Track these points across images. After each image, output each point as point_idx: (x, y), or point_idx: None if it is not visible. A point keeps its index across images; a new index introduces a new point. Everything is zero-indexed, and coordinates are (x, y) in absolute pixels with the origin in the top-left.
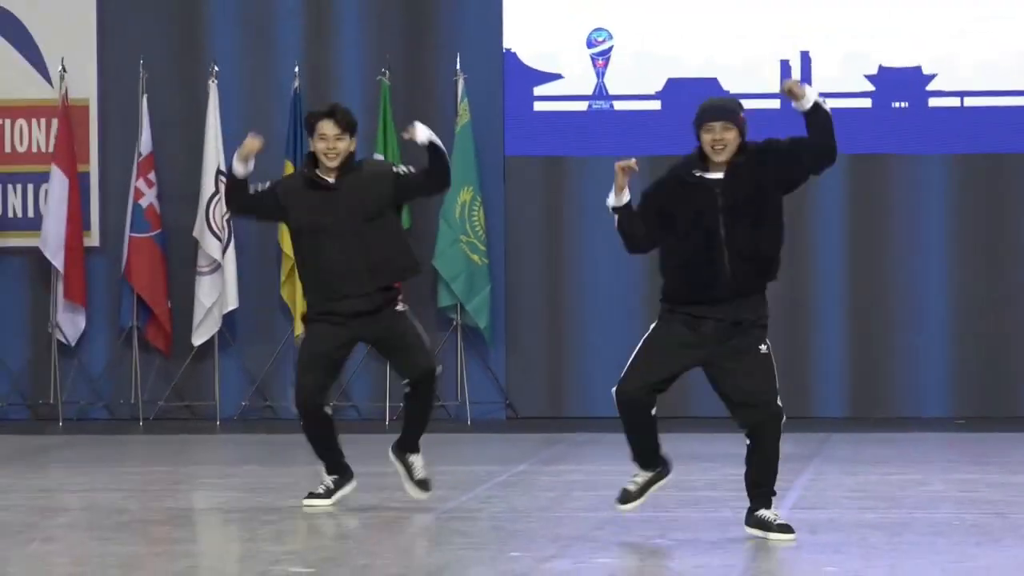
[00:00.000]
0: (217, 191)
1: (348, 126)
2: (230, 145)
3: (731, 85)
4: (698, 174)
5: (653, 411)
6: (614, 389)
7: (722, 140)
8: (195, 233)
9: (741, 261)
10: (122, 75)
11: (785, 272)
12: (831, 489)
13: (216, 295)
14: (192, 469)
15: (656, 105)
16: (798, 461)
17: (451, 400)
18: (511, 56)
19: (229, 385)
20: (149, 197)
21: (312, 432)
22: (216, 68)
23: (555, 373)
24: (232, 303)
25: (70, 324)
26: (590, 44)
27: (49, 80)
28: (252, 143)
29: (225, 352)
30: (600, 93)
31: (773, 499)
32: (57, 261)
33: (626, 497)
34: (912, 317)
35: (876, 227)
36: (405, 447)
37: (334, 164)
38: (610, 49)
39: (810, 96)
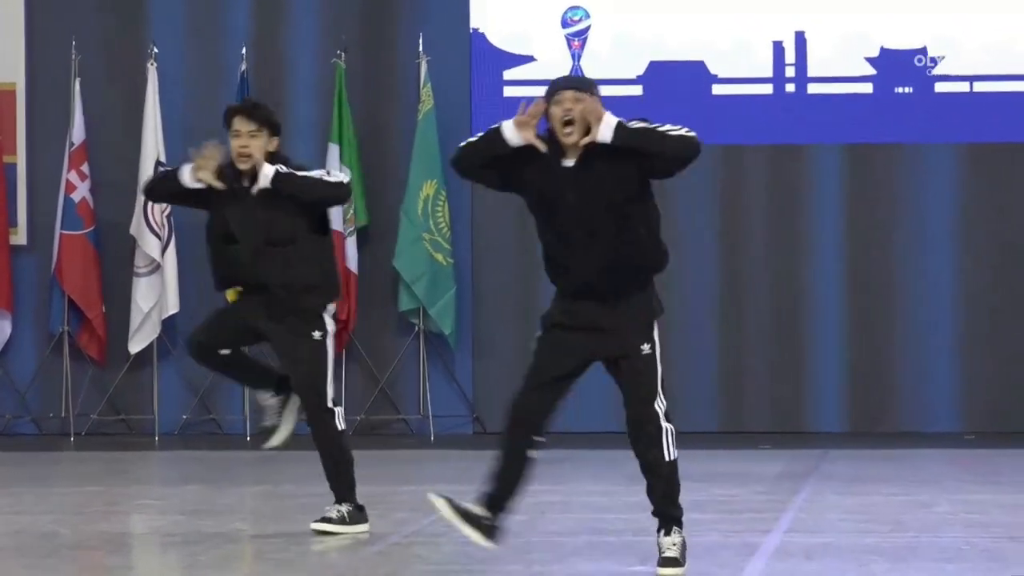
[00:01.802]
0: None
1: (265, 122)
2: (171, 134)
3: (719, 68)
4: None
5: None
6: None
7: (573, 112)
8: (132, 230)
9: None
10: (52, 56)
11: (778, 272)
12: (829, 511)
13: (155, 298)
14: (128, 489)
15: (637, 90)
16: (793, 480)
17: (413, 414)
18: (478, 36)
19: (169, 397)
20: (82, 191)
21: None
22: (155, 50)
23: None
24: (173, 307)
25: None
26: (565, 24)
27: None
28: (211, 159)
29: (165, 361)
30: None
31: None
32: None
33: None
34: (917, 322)
35: (877, 224)
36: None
37: (245, 167)
38: (587, 29)
39: (604, 131)
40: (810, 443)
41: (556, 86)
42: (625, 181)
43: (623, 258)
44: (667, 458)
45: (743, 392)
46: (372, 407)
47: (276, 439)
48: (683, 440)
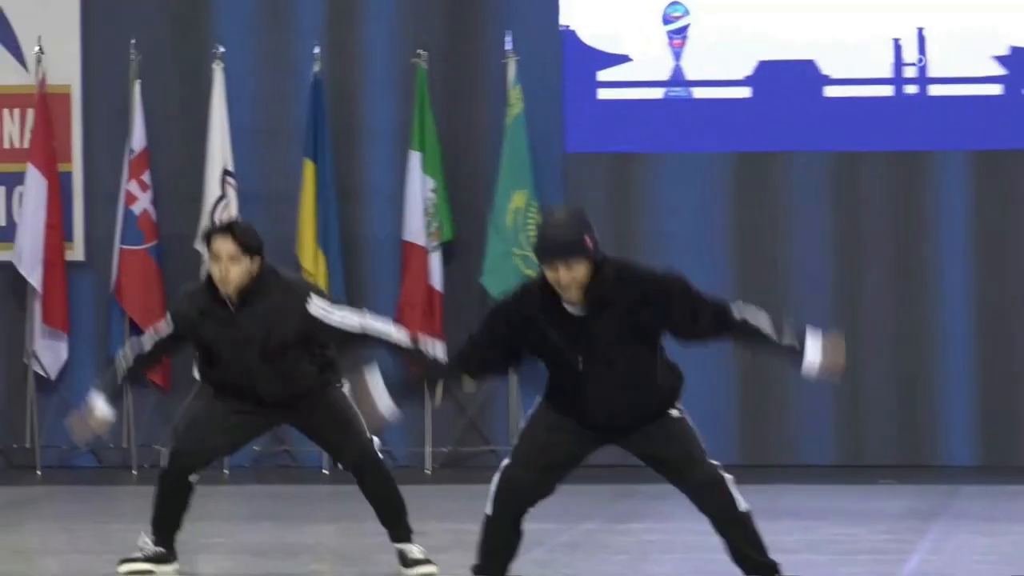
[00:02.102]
0: (224, 195)
1: (247, 247)
2: (239, 140)
3: (833, 68)
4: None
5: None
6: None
7: (571, 285)
8: (197, 245)
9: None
10: (110, 57)
11: (898, 292)
12: (961, 552)
13: None
14: (195, 526)
15: (745, 92)
16: (921, 518)
17: (504, 444)
18: (570, 35)
19: None
20: (143, 202)
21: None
22: (221, 49)
23: None
24: None
25: (49, 353)
26: (665, 20)
27: (23, 63)
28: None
29: None
30: (677, 78)
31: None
32: (34, 279)
33: None
34: None
35: (1008, 238)
36: (398, 538)
37: (228, 291)
38: (688, 26)
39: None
40: (937, 477)
41: (544, 251)
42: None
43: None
44: (741, 508)
45: (862, 422)
46: (460, 438)
47: (132, 567)
48: (796, 475)
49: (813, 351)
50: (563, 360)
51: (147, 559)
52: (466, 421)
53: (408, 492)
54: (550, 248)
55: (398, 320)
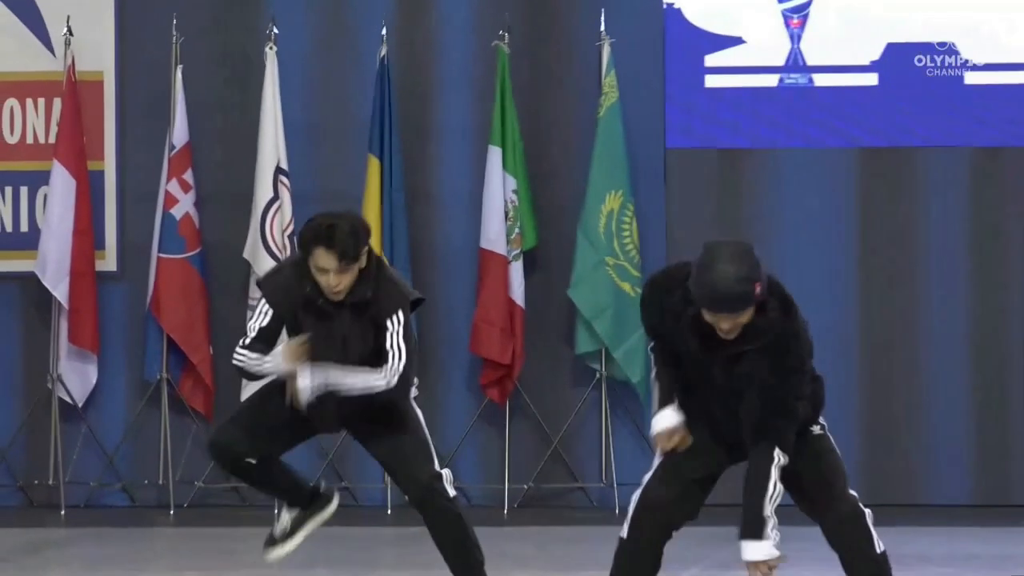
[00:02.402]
0: (277, 197)
1: (353, 257)
2: (293, 135)
3: (970, 52)
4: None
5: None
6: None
7: (733, 329)
8: (246, 254)
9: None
10: (148, 40)
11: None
12: None
13: None
14: (239, 574)
15: (871, 79)
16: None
17: (594, 481)
18: (674, 13)
19: (292, 459)
20: (184, 205)
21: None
22: (275, 30)
23: None
24: None
25: (76, 377)
26: None
27: (50, 47)
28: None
29: None
30: (795, 63)
31: None
32: (59, 292)
33: None
34: None
35: None
36: None
37: (336, 300)
38: (809, 3)
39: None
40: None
41: (711, 304)
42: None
43: None
44: (878, 548)
45: (1007, 456)
46: (543, 473)
47: (282, 550)
48: (930, 515)
49: (757, 549)
50: (699, 370)
51: (292, 528)
52: (550, 452)
53: (483, 535)
54: (719, 302)
55: (474, 338)
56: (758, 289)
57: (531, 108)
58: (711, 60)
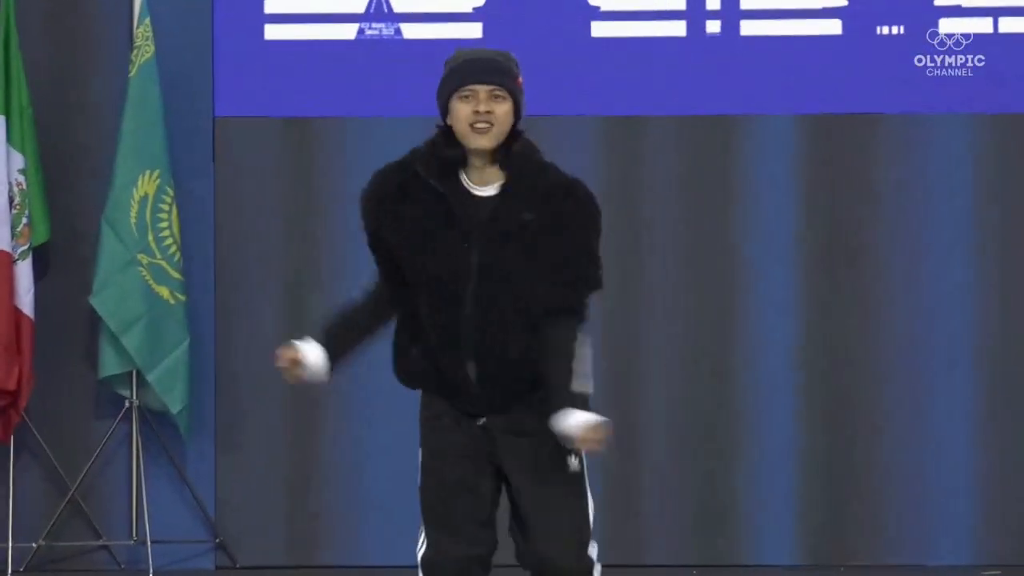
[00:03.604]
0: None
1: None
2: None
3: None
4: (434, 183)
5: None
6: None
7: (489, 115)
8: None
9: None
10: None
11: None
12: None
13: None
14: None
15: (474, 30)
16: None
17: (121, 538)
18: None
19: None
20: None
21: None
22: None
23: (299, 490)
24: None
25: None
26: None
27: None
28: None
29: None
30: (379, 10)
31: None
32: None
33: None
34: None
35: None
36: None
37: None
38: None
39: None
40: None
41: (461, 73)
42: None
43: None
44: None
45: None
46: (57, 528)
47: None
48: None
49: (579, 420)
50: (448, 261)
51: None
52: (67, 502)
53: None
54: (476, 63)
55: None
56: (520, 82)
57: (41, 66)
58: (272, 5)
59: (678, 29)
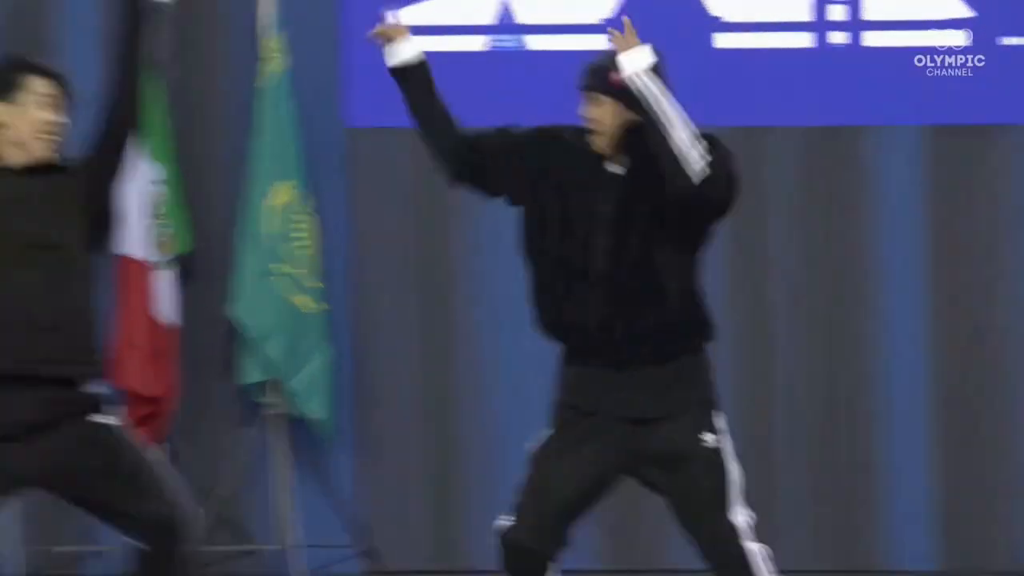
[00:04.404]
0: None
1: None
2: None
3: (724, 7)
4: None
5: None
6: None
7: (592, 120)
8: None
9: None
10: None
11: None
12: None
13: None
14: None
15: (599, 42)
16: None
17: (266, 542)
18: None
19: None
20: None
21: None
22: None
23: (442, 493)
24: None
25: None
26: None
27: None
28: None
29: None
30: (506, 22)
31: None
32: None
33: None
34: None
35: None
36: None
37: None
38: None
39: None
40: None
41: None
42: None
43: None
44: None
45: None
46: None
47: None
48: None
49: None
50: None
51: None
52: (213, 510)
53: None
54: (583, 74)
55: (117, 367)
56: (618, 79)
57: (179, 78)
58: (402, 18)
59: (802, 40)
